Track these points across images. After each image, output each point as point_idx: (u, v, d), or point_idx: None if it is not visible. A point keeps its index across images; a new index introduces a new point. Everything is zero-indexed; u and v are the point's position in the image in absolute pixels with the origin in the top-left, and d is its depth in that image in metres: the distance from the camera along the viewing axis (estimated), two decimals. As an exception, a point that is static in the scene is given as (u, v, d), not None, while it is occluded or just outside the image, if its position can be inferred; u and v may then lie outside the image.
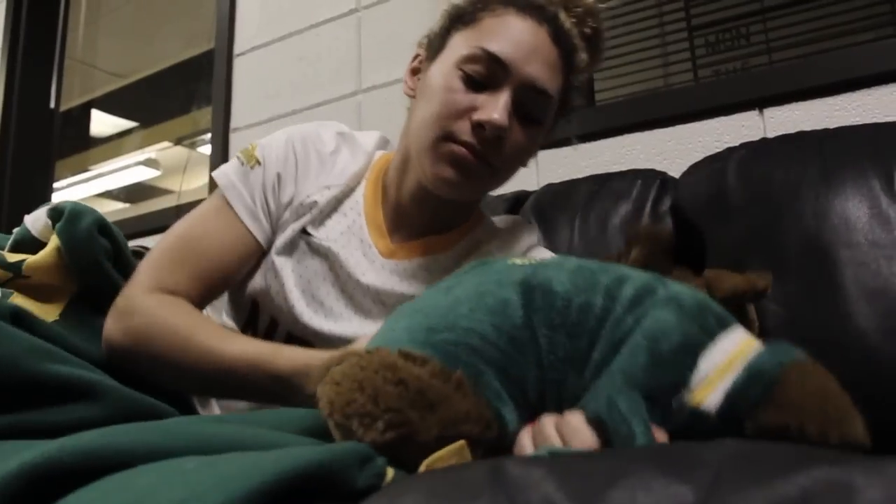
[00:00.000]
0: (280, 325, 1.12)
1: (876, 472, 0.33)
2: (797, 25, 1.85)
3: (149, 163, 4.04)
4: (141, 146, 3.96)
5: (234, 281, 1.13)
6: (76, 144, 4.04)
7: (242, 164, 1.13)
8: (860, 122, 1.42)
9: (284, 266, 1.11)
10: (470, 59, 1.03)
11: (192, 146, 3.65)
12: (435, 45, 1.14)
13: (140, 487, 0.48)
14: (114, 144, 4.10)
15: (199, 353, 0.96)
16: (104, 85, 4.06)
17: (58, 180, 3.56)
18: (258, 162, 1.13)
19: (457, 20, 1.11)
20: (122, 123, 4.14)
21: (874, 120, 1.42)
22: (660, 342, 0.65)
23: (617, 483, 0.37)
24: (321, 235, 1.12)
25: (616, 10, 2.02)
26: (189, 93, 3.31)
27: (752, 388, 0.61)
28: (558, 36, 1.07)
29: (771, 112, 1.62)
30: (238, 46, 2.56)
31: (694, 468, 0.38)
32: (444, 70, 1.06)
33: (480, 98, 1.02)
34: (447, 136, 1.03)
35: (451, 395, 0.63)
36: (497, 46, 1.03)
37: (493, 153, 1.03)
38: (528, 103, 1.04)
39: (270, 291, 1.11)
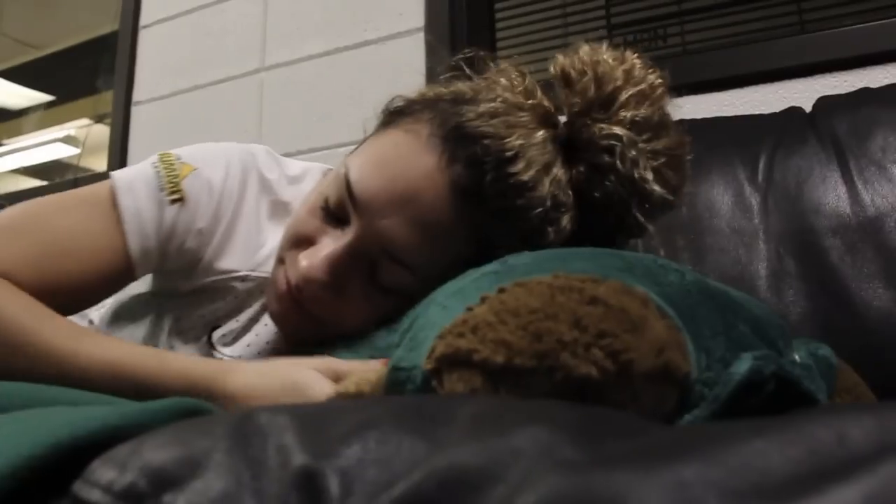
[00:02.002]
0: None
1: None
2: (713, 30, 1.87)
3: (68, 140, 3.93)
4: (59, 122, 3.85)
5: (87, 301, 0.89)
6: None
7: (161, 188, 0.86)
8: (742, 116, 1.45)
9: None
10: (337, 180, 0.80)
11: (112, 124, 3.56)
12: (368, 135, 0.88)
13: None
14: (27, 118, 3.97)
15: (42, 352, 0.74)
16: (14, 55, 3.93)
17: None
18: (181, 199, 0.87)
19: (386, 116, 0.87)
20: (37, 96, 4.02)
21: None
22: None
23: (355, 435, 0.37)
24: (229, 354, 0.92)
25: (533, 6, 2.03)
26: (108, 69, 3.23)
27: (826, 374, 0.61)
28: (478, 190, 0.75)
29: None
30: (144, 18, 2.50)
31: (441, 423, 0.38)
32: (331, 177, 0.83)
33: (327, 231, 0.80)
34: (281, 259, 0.83)
35: (647, 316, 0.50)
36: (356, 174, 0.78)
37: (313, 305, 0.80)
38: (378, 263, 0.78)
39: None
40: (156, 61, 2.45)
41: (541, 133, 0.78)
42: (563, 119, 0.81)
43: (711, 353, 0.53)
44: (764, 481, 0.28)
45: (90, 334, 0.79)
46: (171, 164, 0.89)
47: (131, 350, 0.77)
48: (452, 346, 0.50)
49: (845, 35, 1.54)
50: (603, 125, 0.76)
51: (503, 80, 0.83)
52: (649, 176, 0.75)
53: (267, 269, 0.90)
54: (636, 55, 0.80)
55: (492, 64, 0.89)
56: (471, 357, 0.49)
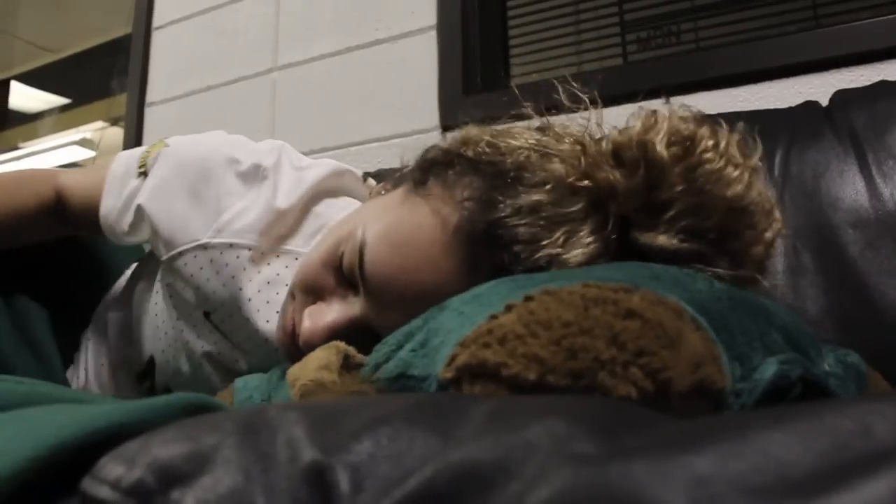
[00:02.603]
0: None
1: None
2: (727, 25, 1.86)
3: (83, 142, 3.95)
4: (74, 125, 3.86)
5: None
6: (0, 119, 3.94)
7: (137, 160, 0.98)
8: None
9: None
10: (353, 244, 0.75)
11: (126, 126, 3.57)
12: (395, 181, 0.84)
13: None
14: (43, 121, 3.99)
15: None
16: (30, 58, 3.95)
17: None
18: (145, 173, 0.96)
19: (418, 171, 0.80)
20: (53, 99, 4.04)
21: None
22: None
23: (367, 430, 0.36)
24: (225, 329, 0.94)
25: (545, 4, 2.02)
26: (123, 71, 3.23)
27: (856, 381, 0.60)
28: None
29: (677, 99, 1.63)
30: (157, 20, 2.51)
31: (455, 419, 0.37)
32: (347, 231, 0.77)
33: (336, 292, 0.77)
34: (293, 294, 0.82)
35: (683, 329, 0.48)
36: (371, 254, 0.73)
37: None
38: (381, 335, 0.70)
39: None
40: (169, 63, 2.45)
41: (587, 229, 0.68)
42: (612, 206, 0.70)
43: (746, 361, 0.51)
44: (786, 475, 0.27)
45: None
46: (155, 143, 0.99)
47: None
48: (478, 356, 0.48)
49: (861, 29, 1.53)
50: (648, 233, 0.67)
51: (555, 139, 0.75)
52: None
53: (227, 235, 0.91)
54: (708, 132, 0.68)
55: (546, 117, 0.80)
56: (498, 371, 0.47)
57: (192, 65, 2.38)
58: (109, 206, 0.98)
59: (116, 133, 3.69)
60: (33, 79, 3.95)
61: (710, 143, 0.68)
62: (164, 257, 0.94)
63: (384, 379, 0.59)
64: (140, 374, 1.07)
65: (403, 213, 0.76)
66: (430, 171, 0.78)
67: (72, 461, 0.41)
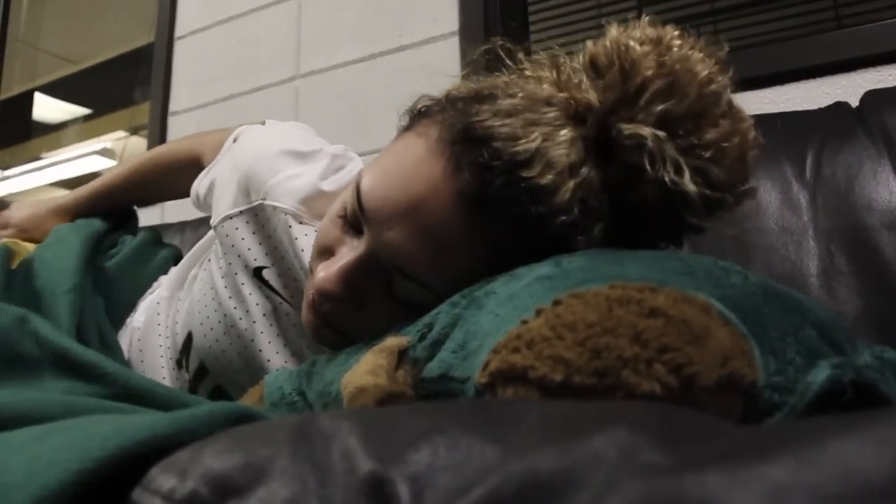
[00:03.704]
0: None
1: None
2: (747, 27, 1.85)
3: (104, 152, 3.97)
4: (96, 135, 3.89)
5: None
6: (22, 130, 3.97)
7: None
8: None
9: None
10: (354, 185, 0.76)
11: (149, 136, 3.59)
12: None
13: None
14: (66, 132, 4.02)
15: None
16: (53, 69, 3.98)
17: (8, 167, 3.50)
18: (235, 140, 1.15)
19: (409, 118, 0.82)
20: (75, 110, 4.07)
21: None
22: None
23: (423, 439, 0.36)
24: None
25: (567, 8, 2.01)
26: (145, 80, 3.26)
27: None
28: (486, 198, 0.69)
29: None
30: (179, 29, 2.52)
31: (511, 427, 0.37)
32: (355, 180, 0.78)
33: (345, 242, 0.78)
34: (311, 269, 0.82)
35: (709, 325, 0.48)
36: (366, 183, 0.74)
37: (333, 318, 0.78)
38: (393, 277, 0.74)
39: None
40: (191, 72, 2.46)
41: (566, 131, 0.70)
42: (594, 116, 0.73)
43: (780, 355, 0.51)
44: (864, 484, 0.26)
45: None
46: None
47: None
48: (507, 361, 0.49)
49: (887, 28, 1.51)
50: (627, 125, 0.68)
51: (534, 73, 0.78)
52: (685, 177, 0.66)
53: (270, 199, 0.98)
54: (677, 32, 0.72)
55: (524, 57, 0.82)
56: (527, 374, 0.48)
57: (214, 74, 2.39)
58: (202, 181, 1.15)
59: (137, 142, 3.71)
60: (56, 90, 3.97)
61: (677, 33, 0.72)
62: (216, 220, 1.03)
63: (427, 378, 0.59)
64: (178, 360, 1.08)
65: (392, 148, 0.78)
66: (417, 115, 0.81)
67: (117, 473, 0.41)
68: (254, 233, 0.99)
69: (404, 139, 0.77)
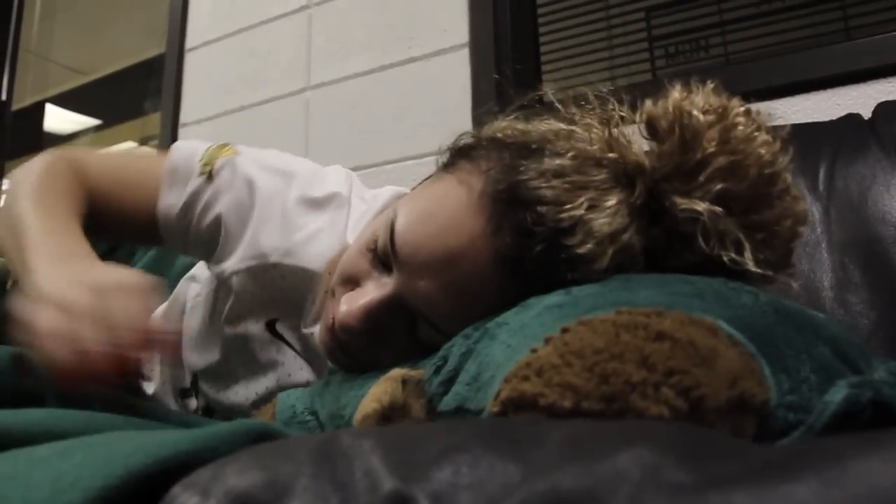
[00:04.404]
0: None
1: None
2: (756, 39, 1.86)
3: (114, 162, 3.97)
4: (106, 145, 3.90)
5: (118, 231, 0.99)
6: (33, 141, 3.98)
7: (200, 157, 0.95)
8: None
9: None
10: (387, 221, 0.75)
11: (160, 146, 3.60)
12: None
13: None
14: (76, 142, 4.04)
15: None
16: (64, 81, 4.00)
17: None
18: (210, 175, 0.94)
19: (450, 155, 0.81)
20: (86, 121, 4.08)
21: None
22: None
23: (445, 458, 0.36)
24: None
25: (577, 20, 2.02)
26: (155, 91, 3.27)
27: None
28: (525, 262, 0.68)
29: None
30: (190, 41, 2.54)
31: (532, 446, 0.37)
32: (384, 217, 0.77)
33: (372, 276, 0.77)
34: (332, 292, 0.81)
35: (717, 346, 0.48)
36: (402, 224, 0.73)
37: (352, 349, 0.78)
38: (417, 321, 0.74)
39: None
40: (202, 83, 2.47)
41: (614, 197, 0.69)
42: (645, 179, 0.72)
43: (794, 373, 0.51)
44: (888, 503, 0.26)
45: (59, 210, 0.86)
46: (224, 145, 0.97)
47: (56, 223, 0.84)
48: (517, 390, 0.49)
49: (896, 40, 1.51)
50: (682, 199, 0.67)
51: (583, 126, 0.76)
52: (746, 255, 0.66)
53: (297, 258, 0.92)
54: (743, 108, 0.69)
55: (574, 109, 0.80)
56: (537, 401, 0.48)
57: (225, 85, 2.40)
58: (171, 202, 0.95)
59: (146, 153, 3.71)
60: (67, 101, 3.99)
61: (742, 110, 0.69)
62: (229, 271, 0.94)
63: (444, 412, 0.60)
64: (183, 391, 1.07)
65: (432, 188, 0.77)
66: (459, 153, 0.79)
67: (139, 490, 0.41)
68: (267, 286, 0.94)
69: (444, 183, 0.75)
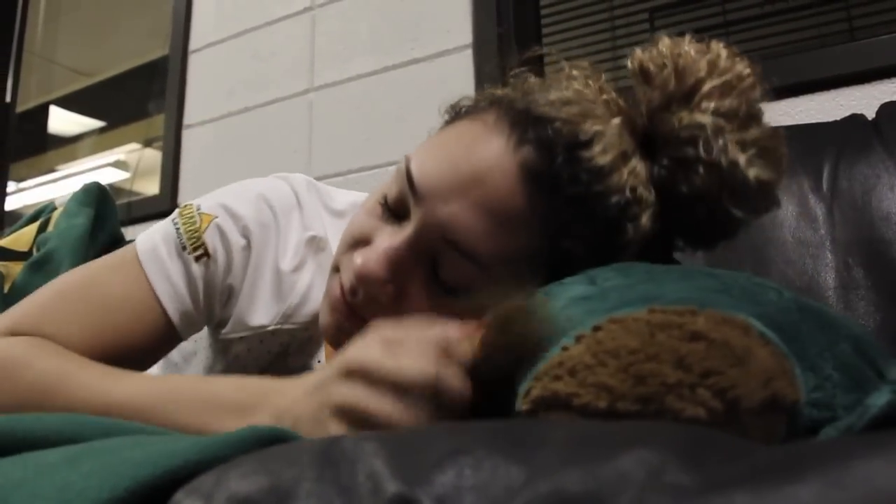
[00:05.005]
0: None
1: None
2: (759, 40, 1.85)
3: (118, 164, 3.99)
4: (110, 147, 3.91)
5: (141, 364, 0.83)
6: (38, 143, 3.99)
7: (184, 246, 0.84)
8: (800, 125, 1.42)
9: None
10: (398, 174, 0.74)
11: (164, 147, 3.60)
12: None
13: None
14: (80, 144, 4.04)
15: (77, 394, 0.70)
16: (68, 83, 4.01)
17: (23, 180, 3.53)
18: (206, 253, 0.84)
19: (451, 115, 0.81)
20: (90, 123, 4.09)
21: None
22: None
23: (448, 460, 0.36)
24: None
25: (580, 21, 2.02)
26: (159, 93, 3.28)
27: None
28: (550, 173, 0.69)
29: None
30: (193, 43, 2.54)
31: (536, 447, 0.37)
32: (392, 176, 0.76)
33: (384, 230, 0.74)
34: (336, 267, 0.78)
35: (751, 346, 0.48)
36: (417, 163, 0.72)
37: (369, 311, 0.73)
38: (441, 258, 0.71)
39: None
40: (206, 85, 2.48)
41: (616, 122, 0.72)
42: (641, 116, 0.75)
43: (818, 371, 0.51)
44: (892, 506, 0.26)
45: (126, 372, 0.73)
46: (191, 218, 0.86)
47: (175, 379, 0.74)
48: (549, 389, 0.49)
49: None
50: (684, 115, 0.70)
51: (575, 74, 0.78)
52: (741, 160, 0.67)
53: (298, 319, 0.88)
54: (723, 45, 0.74)
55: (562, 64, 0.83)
56: (570, 401, 0.48)
57: (228, 87, 2.41)
58: (185, 307, 0.85)
59: (151, 154, 3.72)
60: (71, 103, 4.00)
61: (723, 45, 0.74)
62: (232, 335, 0.89)
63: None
64: None
65: (441, 134, 0.77)
66: (461, 111, 0.80)
67: (146, 501, 0.41)
68: (269, 349, 0.91)
69: (455, 127, 0.76)
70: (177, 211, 0.87)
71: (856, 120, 1.25)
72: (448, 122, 0.80)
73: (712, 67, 0.71)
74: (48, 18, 3.90)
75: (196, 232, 0.84)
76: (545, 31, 2.07)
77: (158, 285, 0.83)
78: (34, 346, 0.75)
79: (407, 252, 0.71)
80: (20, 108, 3.59)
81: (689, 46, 0.73)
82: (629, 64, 0.77)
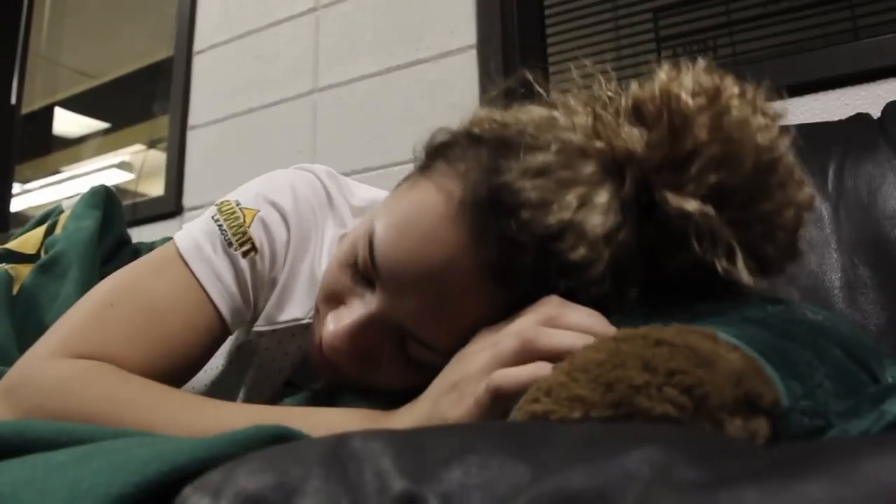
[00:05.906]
0: None
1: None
2: (763, 39, 1.85)
3: (122, 166, 3.99)
4: (114, 148, 3.91)
5: (193, 368, 0.82)
6: (43, 144, 4.00)
7: (230, 243, 0.81)
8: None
9: None
10: (366, 235, 0.71)
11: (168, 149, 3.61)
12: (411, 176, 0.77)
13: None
14: (85, 146, 4.05)
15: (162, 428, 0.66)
16: (72, 84, 4.02)
17: (28, 181, 3.53)
18: (254, 248, 0.81)
19: (426, 156, 0.76)
20: (94, 124, 4.09)
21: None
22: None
23: (455, 458, 0.36)
24: None
25: (584, 21, 2.02)
26: (163, 95, 3.28)
27: None
28: (513, 273, 0.65)
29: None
30: (198, 44, 2.55)
31: (541, 446, 0.37)
32: (361, 229, 0.74)
33: (356, 292, 0.73)
34: (317, 310, 0.78)
35: (717, 350, 0.49)
36: (380, 239, 0.69)
37: (342, 369, 0.75)
38: (407, 338, 0.71)
39: None
40: (210, 86, 2.48)
41: (605, 192, 0.64)
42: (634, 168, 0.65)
43: (807, 380, 0.51)
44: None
45: (206, 402, 0.73)
46: (233, 213, 0.83)
47: (256, 410, 0.72)
48: (529, 411, 0.50)
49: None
50: (673, 195, 0.61)
51: (566, 112, 0.70)
52: (738, 263, 0.61)
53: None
54: (736, 87, 0.64)
55: (556, 94, 0.76)
56: (548, 418, 0.49)
57: (233, 88, 2.41)
58: (237, 305, 0.83)
59: (155, 155, 3.73)
60: (76, 104, 4.00)
61: (736, 91, 0.64)
62: (266, 328, 0.86)
63: None
64: None
65: (409, 195, 0.72)
66: (435, 153, 0.74)
67: (154, 497, 0.42)
68: (299, 346, 0.88)
69: (422, 189, 0.71)
70: (214, 208, 0.85)
71: (861, 119, 1.25)
72: (420, 170, 0.75)
73: (715, 128, 0.62)
74: (53, 20, 3.91)
75: (241, 227, 0.81)
76: (549, 31, 2.07)
77: (209, 284, 0.80)
78: (109, 374, 0.72)
79: (371, 329, 0.71)
80: (25, 110, 3.60)
81: (691, 91, 0.63)
82: (622, 100, 0.68)
